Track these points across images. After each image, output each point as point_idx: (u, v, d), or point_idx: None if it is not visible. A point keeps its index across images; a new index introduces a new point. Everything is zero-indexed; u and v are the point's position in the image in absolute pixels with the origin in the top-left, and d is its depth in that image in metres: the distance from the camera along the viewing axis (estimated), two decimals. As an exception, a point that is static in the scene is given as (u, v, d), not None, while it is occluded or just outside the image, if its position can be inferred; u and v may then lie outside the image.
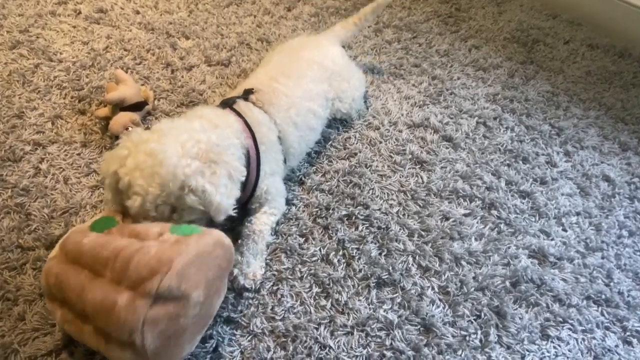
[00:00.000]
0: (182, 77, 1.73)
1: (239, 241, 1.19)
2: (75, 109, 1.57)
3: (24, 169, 1.37)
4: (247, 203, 1.24)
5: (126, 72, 1.67)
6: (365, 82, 1.67)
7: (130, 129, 1.43)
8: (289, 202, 1.34)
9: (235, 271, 1.13)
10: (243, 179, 1.10)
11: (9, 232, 1.22)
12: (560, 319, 1.15)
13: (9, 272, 1.15)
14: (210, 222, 1.08)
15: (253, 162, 1.18)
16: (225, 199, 1.03)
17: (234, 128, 1.17)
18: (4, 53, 1.75)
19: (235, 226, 1.24)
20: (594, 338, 1.13)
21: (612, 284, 1.23)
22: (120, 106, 1.48)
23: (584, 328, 1.15)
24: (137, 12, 2.02)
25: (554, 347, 1.11)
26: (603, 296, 1.20)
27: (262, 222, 1.22)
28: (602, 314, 1.18)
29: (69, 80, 1.66)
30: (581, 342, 1.13)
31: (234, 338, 1.07)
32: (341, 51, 1.60)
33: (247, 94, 1.31)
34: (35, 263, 1.17)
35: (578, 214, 1.39)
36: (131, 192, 0.99)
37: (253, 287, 1.14)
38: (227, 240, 1.00)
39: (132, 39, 1.87)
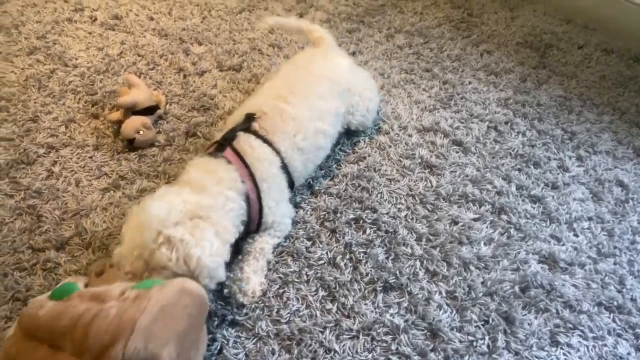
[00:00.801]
0: (194, 82, 1.75)
1: (239, 257, 1.19)
2: (88, 113, 1.60)
3: (37, 171, 1.40)
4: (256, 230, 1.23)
5: (139, 77, 1.70)
6: (378, 90, 1.66)
7: (141, 132, 1.46)
8: (297, 206, 1.35)
9: (234, 288, 1.13)
10: (233, 240, 1.08)
11: (21, 233, 1.25)
12: (571, 326, 1.13)
13: (20, 272, 1.17)
14: None
15: (254, 203, 1.17)
16: (207, 255, 0.99)
17: (228, 179, 1.13)
18: (21, 59, 1.79)
19: (237, 241, 1.22)
20: (605, 345, 1.11)
21: (624, 290, 1.21)
22: (132, 110, 1.51)
23: (595, 335, 1.12)
24: (151, 19, 2.05)
25: (564, 354, 1.09)
26: (615, 303, 1.18)
27: (265, 241, 1.21)
28: (614, 321, 1.15)
29: (83, 85, 1.69)
30: (592, 349, 1.10)
31: (239, 340, 1.07)
32: (350, 63, 1.55)
33: (249, 121, 1.26)
34: (45, 264, 1.19)
35: (590, 219, 1.37)
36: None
37: (250, 302, 1.14)
38: (193, 285, 0.91)
39: (145, 44, 1.91)
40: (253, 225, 1.20)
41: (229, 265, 1.10)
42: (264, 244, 1.21)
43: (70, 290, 0.89)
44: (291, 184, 1.29)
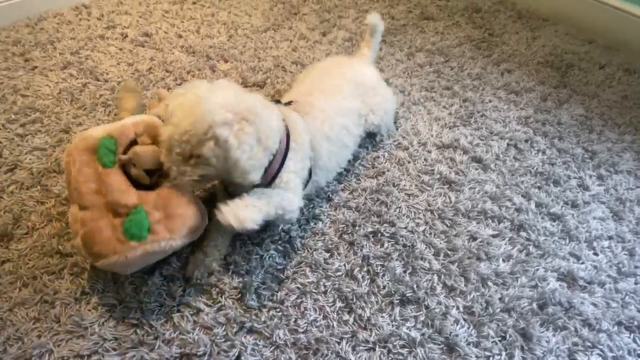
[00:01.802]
0: (219, 97, 1.80)
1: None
2: (117, 126, 1.65)
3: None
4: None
5: (168, 91, 1.75)
6: (396, 102, 1.69)
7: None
8: (316, 217, 1.37)
9: (224, 208, 1.05)
10: (274, 149, 1.14)
11: (50, 238, 1.29)
12: (589, 344, 1.12)
13: (48, 276, 1.21)
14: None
15: (280, 153, 1.20)
16: (245, 158, 1.06)
17: (277, 114, 1.20)
18: (55, 73, 1.87)
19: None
20: (626, 366, 1.10)
21: (645, 310, 1.19)
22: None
23: (614, 355, 1.11)
24: (180, 36, 2.13)
25: (583, 373, 1.08)
26: (635, 322, 1.16)
27: (275, 193, 1.17)
28: (634, 341, 1.14)
29: (113, 98, 1.76)
30: (611, 369, 1.09)
31: (256, 348, 1.09)
32: (374, 70, 1.64)
33: (286, 104, 1.35)
34: (73, 269, 1.23)
35: (610, 238, 1.36)
36: (168, 121, 1.08)
37: (237, 228, 1.04)
38: None
39: (174, 61, 1.97)
40: (268, 177, 1.18)
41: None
42: (271, 192, 1.18)
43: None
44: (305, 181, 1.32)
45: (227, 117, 1.04)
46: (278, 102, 1.35)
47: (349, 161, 1.53)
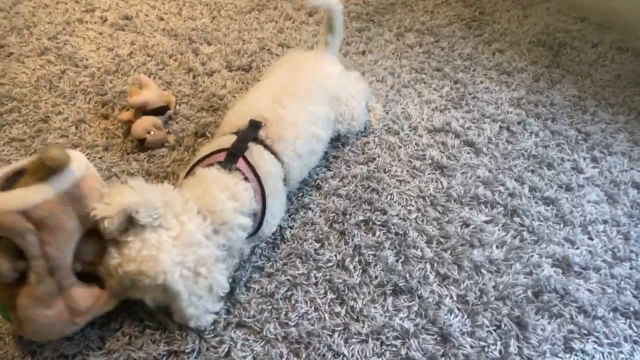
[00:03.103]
0: (204, 82, 1.74)
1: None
2: (98, 114, 1.60)
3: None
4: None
5: (149, 77, 1.69)
6: (366, 93, 1.59)
7: (152, 132, 1.46)
8: (305, 207, 1.34)
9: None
10: (223, 294, 1.06)
11: (31, 233, 1.24)
12: (585, 331, 1.11)
13: (30, 273, 1.17)
14: None
15: (257, 217, 1.14)
16: (193, 309, 1.02)
17: (241, 200, 1.09)
18: (32, 59, 1.80)
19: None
20: (621, 352, 1.08)
21: (641, 295, 1.18)
22: (142, 110, 1.50)
23: (610, 341, 1.10)
24: (161, 19, 2.05)
25: (578, 361, 1.07)
26: (631, 308, 1.15)
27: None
28: (630, 327, 1.12)
29: (94, 85, 1.70)
30: (607, 356, 1.08)
31: (246, 343, 1.06)
32: (339, 70, 1.51)
33: (255, 128, 1.23)
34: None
35: (605, 222, 1.34)
36: (121, 250, 0.97)
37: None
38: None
39: (155, 45, 1.90)
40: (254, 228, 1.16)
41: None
42: (243, 244, 1.16)
43: None
44: None
45: (183, 274, 0.98)
46: (251, 129, 1.23)
47: (337, 147, 1.50)
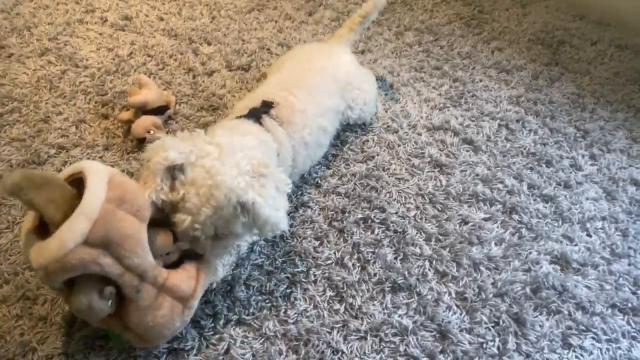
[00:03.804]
0: (203, 82, 1.75)
1: None
2: (98, 114, 1.60)
3: (47, 171, 1.41)
4: None
5: (149, 77, 1.70)
6: (376, 82, 1.63)
7: (152, 132, 1.47)
8: (304, 205, 1.34)
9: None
10: (289, 190, 1.07)
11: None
12: (583, 328, 1.11)
13: (30, 271, 1.17)
14: None
15: None
16: (274, 212, 1.00)
17: (272, 147, 1.16)
18: (33, 60, 1.81)
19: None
20: (620, 348, 1.09)
21: (639, 291, 1.18)
22: (142, 110, 1.51)
23: (608, 337, 1.10)
24: (161, 19, 2.06)
25: (576, 357, 1.07)
26: (629, 304, 1.15)
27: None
28: (629, 323, 1.13)
29: (94, 85, 1.70)
30: (605, 352, 1.08)
31: (246, 340, 1.06)
32: (351, 58, 1.55)
33: (267, 107, 1.25)
34: (56, 263, 1.19)
35: (604, 218, 1.34)
36: (182, 207, 0.97)
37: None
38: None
39: (155, 45, 1.91)
40: None
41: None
42: (240, 241, 1.17)
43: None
44: None
45: (247, 181, 0.98)
46: (263, 108, 1.25)
47: (336, 145, 1.50)
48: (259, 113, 1.23)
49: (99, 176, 0.90)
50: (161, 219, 1.00)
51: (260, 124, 1.20)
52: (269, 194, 1.00)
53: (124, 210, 0.89)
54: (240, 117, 1.22)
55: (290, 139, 1.24)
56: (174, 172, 0.99)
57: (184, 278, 0.98)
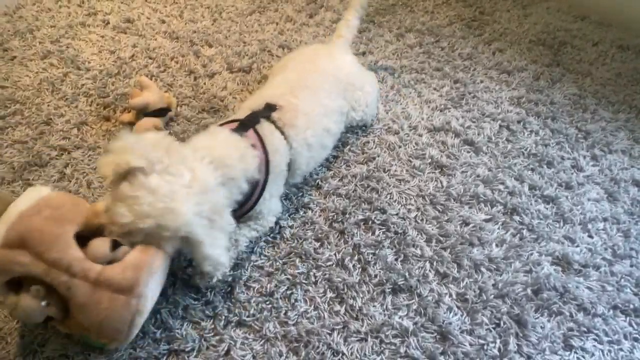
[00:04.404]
0: (205, 84, 1.75)
1: None
2: (100, 116, 1.61)
3: (49, 173, 1.41)
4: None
5: (150, 79, 1.70)
6: (377, 84, 1.64)
7: (153, 134, 1.47)
8: (305, 206, 1.34)
9: (196, 269, 1.10)
10: (232, 229, 1.07)
11: (33, 234, 1.26)
12: (585, 329, 1.11)
13: (32, 273, 1.18)
14: None
15: (258, 189, 1.16)
16: (214, 251, 1.01)
17: (248, 164, 1.11)
18: (35, 63, 1.81)
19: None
20: (621, 350, 1.08)
21: (641, 293, 1.18)
22: (144, 112, 1.52)
23: (610, 339, 1.10)
24: (163, 22, 2.07)
25: (578, 358, 1.07)
26: (631, 306, 1.15)
27: (242, 234, 1.20)
28: (630, 325, 1.13)
29: (96, 88, 1.71)
30: (607, 354, 1.08)
31: (246, 342, 1.06)
32: (352, 59, 1.56)
33: (269, 110, 1.25)
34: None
35: (605, 219, 1.34)
36: (130, 206, 0.93)
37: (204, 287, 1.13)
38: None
39: (157, 47, 1.92)
40: (242, 210, 1.17)
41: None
42: (239, 237, 1.20)
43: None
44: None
45: (201, 222, 0.97)
46: (265, 112, 1.25)
47: (337, 147, 1.50)
48: (259, 117, 1.23)
49: (31, 194, 0.99)
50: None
51: (256, 130, 1.19)
52: (214, 235, 1.00)
53: (47, 217, 0.95)
54: (236, 121, 1.22)
55: (290, 142, 1.24)
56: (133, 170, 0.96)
57: (120, 270, 0.94)
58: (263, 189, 1.17)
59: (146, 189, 0.93)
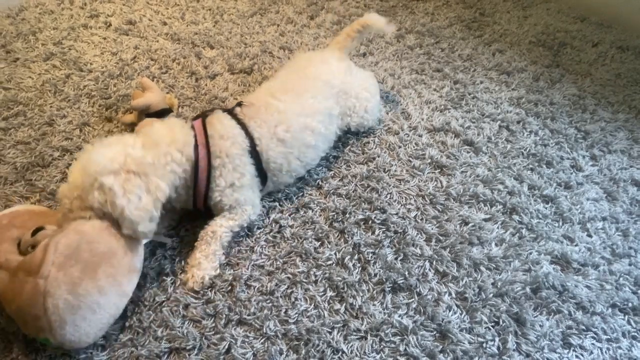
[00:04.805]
0: (206, 85, 1.77)
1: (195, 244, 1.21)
2: (102, 117, 1.62)
3: (51, 174, 1.42)
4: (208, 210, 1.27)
5: (152, 80, 1.72)
6: (378, 88, 1.63)
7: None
8: (306, 206, 1.35)
9: (185, 274, 1.17)
10: (164, 200, 1.10)
11: (36, 234, 1.27)
12: (584, 327, 1.11)
13: (34, 272, 1.19)
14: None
15: (202, 172, 1.19)
16: (132, 208, 1.04)
17: (182, 141, 1.17)
18: (38, 64, 1.83)
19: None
20: (620, 348, 1.09)
21: (640, 291, 1.19)
22: (145, 113, 1.53)
23: (609, 337, 1.10)
24: (165, 24, 2.08)
25: (576, 356, 1.07)
26: (630, 304, 1.15)
27: (218, 224, 1.21)
28: (629, 323, 1.13)
29: (98, 89, 1.72)
30: (606, 352, 1.08)
31: (247, 340, 1.07)
32: (348, 65, 1.55)
33: (236, 106, 1.32)
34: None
35: (604, 219, 1.34)
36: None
37: (200, 289, 1.15)
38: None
39: (158, 49, 1.93)
40: (199, 200, 1.22)
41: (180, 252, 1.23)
42: (216, 227, 1.21)
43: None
44: (263, 177, 1.29)
45: (113, 167, 1.04)
46: (238, 105, 1.32)
47: (337, 147, 1.51)
48: (209, 112, 1.30)
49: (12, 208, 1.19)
50: None
51: (204, 121, 1.25)
52: (132, 190, 1.05)
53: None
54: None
55: (251, 132, 1.26)
56: None
57: (33, 253, 0.98)
58: (209, 173, 1.20)
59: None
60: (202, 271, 1.16)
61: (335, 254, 1.24)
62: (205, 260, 1.17)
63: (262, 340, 1.07)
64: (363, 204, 1.36)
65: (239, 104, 1.32)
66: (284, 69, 1.56)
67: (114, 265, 1.02)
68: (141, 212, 1.05)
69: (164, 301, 1.13)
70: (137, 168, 1.06)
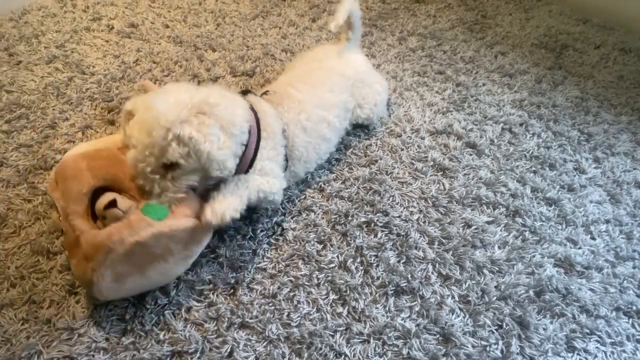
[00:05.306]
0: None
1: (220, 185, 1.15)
2: (104, 120, 1.62)
3: (54, 176, 1.42)
4: None
5: (155, 83, 1.72)
6: (388, 88, 1.66)
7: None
8: (308, 209, 1.35)
9: (206, 207, 1.09)
10: (243, 138, 1.10)
11: (38, 236, 1.27)
12: (588, 331, 1.11)
13: (37, 275, 1.19)
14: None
15: (253, 135, 1.16)
16: (215, 149, 1.02)
17: (240, 103, 1.16)
18: (40, 67, 1.83)
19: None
20: (624, 351, 1.08)
21: (644, 295, 1.18)
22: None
23: (613, 340, 1.10)
24: (167, 26, 2.08)
25: (580, 360, 1.07)
26: (634, 307, 1.15)
27: (252, 178, 1.18)
28: (633, 326, 1.12)
29: (100, 92, 1.72)
30: (610, 356, 1.07)
31: (249, 344, 1.07)
32: (364, 58, 1.60)
33: (263, 94, 1.35)
34: (62, 267, 1.20)
35: (608, 221, 1.34)
36: (129, 143, 1.03)
37: (217, 223, 1.07)
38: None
39: (161, 51, 1.93)
40: (244, 165, 1.16)
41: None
42: (248, 177, 1.17)
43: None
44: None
45: (182, 115, 1.01)
46: (248, 92, 1.33)
47: (340, 150, 1.51)
48: (246, 92, 1.30)
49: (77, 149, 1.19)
50: None
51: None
52: (209, 131, 1.02)
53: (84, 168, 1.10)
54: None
55: (279, 115, 1.27)
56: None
57: (87, 242, 1.02)
58: (259, 139, 1.18)
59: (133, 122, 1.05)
60: (224, 206, 1.08)
61: (337, 256, 1.23)
62: (231, 197, 1.10)
63: (264, 344, 1.07)
64: (365, 206, 1.35)
65: (263, 93, 1.34)
66: (299, 60, 1.59)
67: (168, 261, 1.07)
68: (225, 150, 1.05)
69: (166, 304, 1.12)
70: (204, 107, 1.03)
